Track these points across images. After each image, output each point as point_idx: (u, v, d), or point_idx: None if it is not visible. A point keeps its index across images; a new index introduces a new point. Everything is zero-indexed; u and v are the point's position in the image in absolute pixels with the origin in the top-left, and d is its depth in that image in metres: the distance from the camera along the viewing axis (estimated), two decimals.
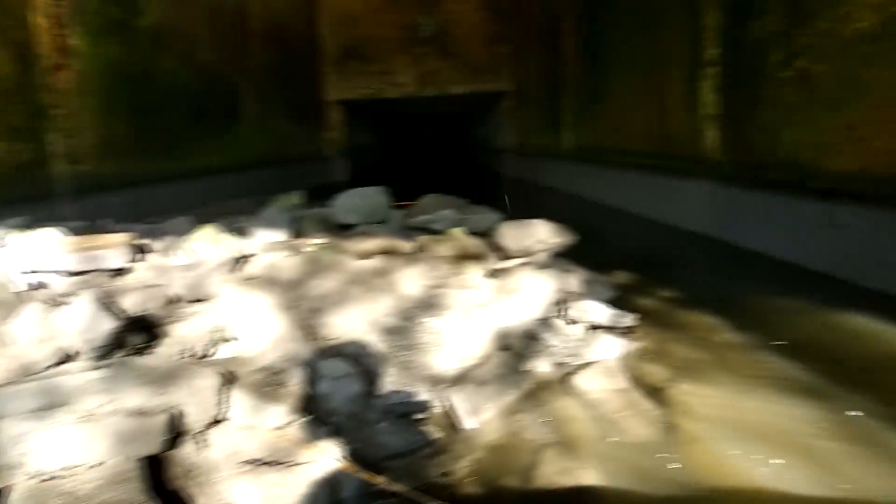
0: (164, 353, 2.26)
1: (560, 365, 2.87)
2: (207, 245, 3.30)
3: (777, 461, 2.07)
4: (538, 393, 2.63)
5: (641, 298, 3.85)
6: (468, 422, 2.36)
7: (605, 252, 5.65)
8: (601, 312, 3.12)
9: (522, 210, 3.93)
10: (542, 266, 3.37)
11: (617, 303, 3.62)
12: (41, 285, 2.86)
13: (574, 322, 3.12)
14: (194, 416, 1.90)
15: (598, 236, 6.77)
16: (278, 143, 11.40)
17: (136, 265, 3.13)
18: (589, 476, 2.07)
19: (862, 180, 3.96)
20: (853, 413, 2.35)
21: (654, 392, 2.61)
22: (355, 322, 2.66)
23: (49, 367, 2.20)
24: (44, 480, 1.60)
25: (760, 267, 4.69)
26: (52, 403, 1.93)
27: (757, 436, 2.24)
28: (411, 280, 2.97)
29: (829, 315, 3.46)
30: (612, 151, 8.30)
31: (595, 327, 3.13)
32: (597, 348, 2.95)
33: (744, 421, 2.35)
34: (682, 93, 6.28)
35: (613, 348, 2.95)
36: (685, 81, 6.22)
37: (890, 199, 3.72)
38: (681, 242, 5.91)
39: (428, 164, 20.60)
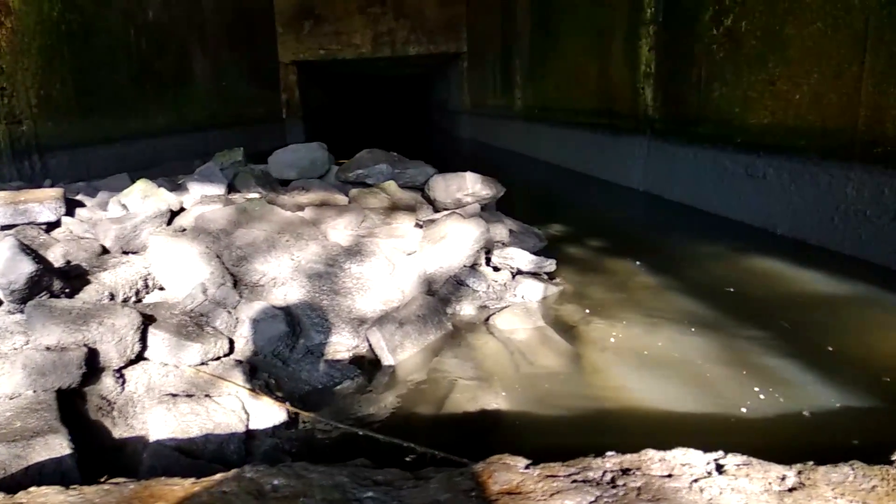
0: (85, 297, 2.33)
1: (483, 308, 3.02)
2: (140, 199, 3.33)
3: (667, 386, 2.25)
4: (459, 333, 2.77)
5: (570, 247, 4.02)
6: (389, 359, 2.48)
7: (543, 206, 5.84)
8: (524, 259, 3.27)
9: (466, 168, 4.06)
10: (472, 216, 3.49)
11: (546, 251, 3.78)
12: None
13: (498, 268, 3.26)
14: (112, 353, 1.99)
15: (539, 192, 6.95)
16: (231, 104, 11.22)
17: (67, 219, 3.15)
18: (496, 402, 2.23)
19: (780, 133, 4.16)
20: (741, 343, 2.55)
21: (568, 329, 2.77)
22: (281, 268, 2.75)
23: None
24: None
25: (688, 219, 4.90)
26: None
27: (653, 365, 2.42)
28: (340, 229, 3.07)
29: (740, 260, 3.68)
30: (561, 111, 8.42)
31: (519, 272, 3.28)
32: (519, 292, 3.10)
33: (644, 352, 2.53)
34: (624, 52, 6.40)
35: (535, 292, 3.11)
36: (626, 41, 6.34)
37: (803, 151, 3.93)
38: (619, 198, 6.11)
39: (385, 127, 20.48)
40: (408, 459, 1.81)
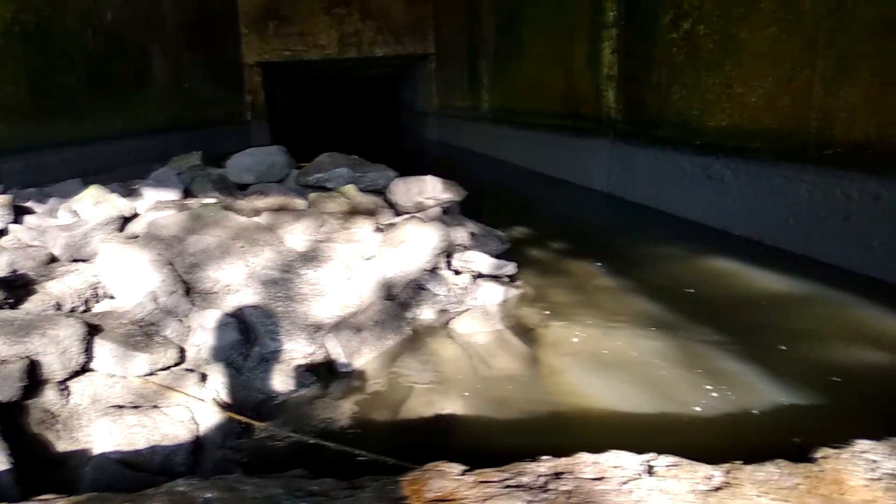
0: (29, 307, 2.26)
1: (443, 312, 3.01)
2: (91, 205, 3.26)
3: (622, 387, 2.27)
4: (419, 338, 2.76)
5: (531, 249, 4.04)
6: (346, 365, 2.46)
7: (507, 208, 5.87)
8: (484, 262, 3.27)
9: (433, 171, 4.05)
10: (432, 220, 3.48)
11: (508, 254, 3.79)
12: None
13: (459, 272, 3.26)
14: (55, 365, 1.93)
15: (504, 194, 6.98)
16: (193, 106, 11.05)
17: (15, 227, 3.07)
18: (452, 406, 2.22)
19: (737, 135, 4.23)
20: (697, 344, 2.58)
21: (526, 332, 2.78)
22: (235, 274, 2.71)
23: None
24: None
25: (649, 220, 4.96)
26: None
27: (610, 366, 2.44)
28: (296, 234, 3.04)
29: (697, 260, 3.74)
30: (526, 113, 8.47)
31: (479, 276, 3.29)
32: (479, 295, 3.10)
33: (601, 354, 2.55)
34: (587, 54, 6.46)
35: (495, 295, 3.11)
36: (589, 43, 6.40)
37: (759, 153, 4.00)
38: (582, 199, 6.16)
39: (353, 128, 20.39)
40: (361, 461, 1.79)
